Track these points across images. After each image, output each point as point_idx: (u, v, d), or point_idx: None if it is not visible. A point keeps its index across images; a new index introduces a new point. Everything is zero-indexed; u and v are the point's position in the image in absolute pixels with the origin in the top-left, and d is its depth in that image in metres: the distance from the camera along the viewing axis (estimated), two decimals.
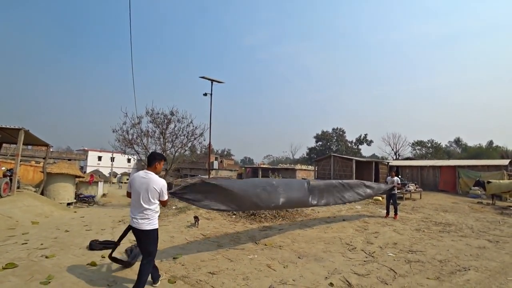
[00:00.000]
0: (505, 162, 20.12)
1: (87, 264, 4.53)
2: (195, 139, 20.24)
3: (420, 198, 15.53)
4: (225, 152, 79.56)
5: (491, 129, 79.21)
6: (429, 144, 53.22)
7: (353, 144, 60.78)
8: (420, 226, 8.23)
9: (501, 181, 15.21)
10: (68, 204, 17.40)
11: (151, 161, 3.57)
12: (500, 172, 18.18)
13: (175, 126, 19.92)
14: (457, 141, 59.99)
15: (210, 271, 4.37)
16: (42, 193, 16.27)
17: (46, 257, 4.85)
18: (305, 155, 66.24)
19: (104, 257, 4.92)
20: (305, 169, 35.45)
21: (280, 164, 52.01)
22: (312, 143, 64.74)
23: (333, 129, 63.97)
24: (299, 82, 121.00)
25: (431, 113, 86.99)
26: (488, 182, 14.82)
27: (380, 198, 13.74)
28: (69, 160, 43.64)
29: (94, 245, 5.45)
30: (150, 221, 3.34)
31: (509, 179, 17.25)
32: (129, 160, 49.78)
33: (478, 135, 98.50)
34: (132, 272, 4.24)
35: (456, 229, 8.09)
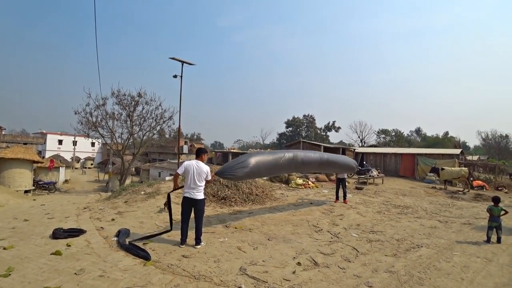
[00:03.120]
0: (457, 151, 21.94)
1: (51, 254, 4.36)
2: (164, 122, 19.80)
3: (382, 183, 16.52)
4: (195, 136, 78.29)
5: (448, 121, 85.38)
6: (393, 133, 56.30)
7: (322, 130, 62.56)
8: (381, 208, 8.82)
9: (452, 168, 16.60)
10: (26, 191, 16.34)
11: (199, 154, 5.13)
12: (452, 160, 19.78)
13: (143, 108, 19.30)
14: (418, 131, 64.14)
15: (182, 254, 4.40)
16: None
17: (4, 249, 4.59)
18: (275, 141, 67.19)
19: (69, 245, 4.76)
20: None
21: (250, 149, 52.38)
22: (283, 129, 65.76)
23: (304, 115, 65.24)
24: (272, 67, 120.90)
25: (397, 103, 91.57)
26: (442, 169, 16.10)
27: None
28: (25, 144, 40.67)
29: (58, 234, 5.23)
30: (201, 193, 4.86)
31: (459, 166, 18.86)
32: (93, 144, 47.26)
33: (436, 126, 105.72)
34: (100, 259, 4.17)
35: (413, 211, 8.78)
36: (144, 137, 19.97)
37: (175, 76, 15.44)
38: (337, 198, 9.52)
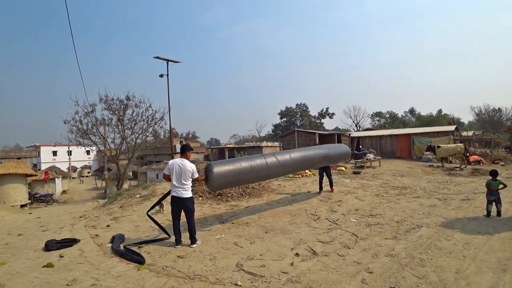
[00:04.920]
0: (452, 128, 21.96)
1: (43, 267, 4.22)
2: (155, 123, 19.50)
3: (380, 165, 16.50)
4: (190, 135, 77.93)
5: (440, 99, 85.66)
6: (388, 115, 56.37)
7: (316, 118, 62.51)
8: (380, 191, 8.76)
9: (448, 145, 16.59)
10: (22, 206, 16.13)
11: (184, 151, 4.96)
12: (447, 137, 19.81)
13: (133, 111, 18.97)
14: (412, 111, 64.25)
15: (177, 255, 4.29)
16: None
17: None
18: (270, 132, 67.09)
19: (62, 256, 4.62)
20: (271, 146, 35.98)
21: (246, 143, 52.19)
22: (277, 120, 65.62)
23: (296, 104, 65.12)
24: (261, 60, 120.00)
25: (389, 85, 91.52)
26: (438, 147, 16.09)
27: (344, 168, 14.39)
28: (18, 158, 40.18)
29: (50, 245, 5.08)
30: (188, 192, 4.71)
31: (455, 143, 18.89)
32: (88, 152, 46.81)
33: (429, 105, 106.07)
34: (93, 268, 4.04)
35: (411, 191, 8.73)
36: (138, 140, 19.69)
37: (161, 76, 15.20)
38: (320, 188, 8.74)
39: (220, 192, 8.30)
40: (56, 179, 25.21)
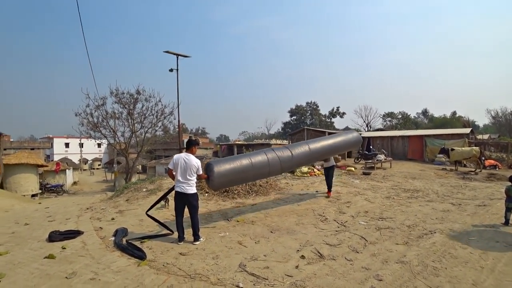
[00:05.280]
0: (467, 130, 21.29)
1: (44, 258, 4.18)
2: (164, 118, 19.53)
3: (390, 167, 16.11)
4: (200, 131, 78.20)
5: (455, 101, 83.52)
6: (400, 116, 55.27)
7: (327, 117, 61.84)
8: (390, 193, 8.49)
9: (462, 148, 16.06)
10: (33, 195, 16.40)
11: (189, 146, 4.79)
12: (462, 140, 19.19)
13: (142, 105, 19.04)
14: (424, 112, 62.85)
15: (179, 252, 4.18)
16: (1, 186, 15.15)
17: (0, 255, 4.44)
18: (280, 130, 66.76)
19: (64, 248, 4.58)
20: (280, 144, 35.73)
21: (255, 140, 52.04)
22: (287, 118, 65.19)
23: (307, 103, 64.54)
24: (272, 57, 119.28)
25: (402, 85, 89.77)
26: (452, 150, 15.60)
27: (353, 169, 14.10)
28: (32, 149, 41.03)
29: (53, 237, 5.06)
30: (192, 187, 4.60)
31: (469, 146, 18.29)
32: (99, 145, 47.38)
33: (443, 106, 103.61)
34: (94, 261, 3.97)
35: (423, 194, 8.43)
36: (147, 134, 19.78)
37: (171, 70, 15.15)
38: (329, 190, 8.16)
39: (226, 189, 8.19)
40: (67, 170, 25.60)
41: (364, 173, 12.87)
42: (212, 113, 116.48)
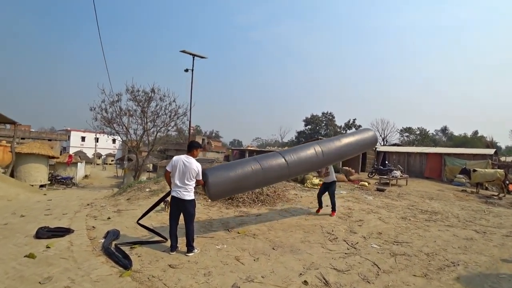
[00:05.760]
0: (491, 151, 20.18)
1: (24, 256, 3.87)
2: (177, 118, 19.40)
3: (406, 184, 15.32)
4: (213, 134, 78.50)
5: (476, 120, 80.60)
6: (418, 131, 53.60)
7: (342, 129, 60.75)
8: (406, 214, 7.85)
9: (486, 170, 15.11)
10: (41, 186, 16.48)
11: (191, 148, 4.43)
12: (485, 161, 18.13)
13: (156, 104, 18.99)
14: (444, 130, 60.78)
15: (169, 263, 3.79)
16: (12, 175, 15.28)
17: None
18: (293, 139, 65.99)
19: (49, 247, 4.27)
20: None
21: (267, 147, 51.52)
22: (301, 127, 64.45)
23: (322, 113, 63.66)
24: (290, 65, 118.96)
25: (422, 100, 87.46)
26: (474, 171, 14.68)
27: (367, 184, 13.43)
28: (49, 140, 41.98)
29: (41, 233, 4.77)
30: (190, 193, 4.21)
31: (492, 168, 17.24)
32: (114, 141, 48.17)
33: (464, 125, 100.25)
34: (75, 266, 3.62)
35: (443, 217, 7.76)
36: (159, 134, 19.70)
37: (186, 70, 15.02)
38: (320, 206, 7.27)
39: (231, 196, 7.78)
40: (78, 163, 25.83)
41: (378, 189, 12.19)
42: (226, 117, 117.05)
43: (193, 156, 4.40)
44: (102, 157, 57.43)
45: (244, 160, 5.56)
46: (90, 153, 50.91)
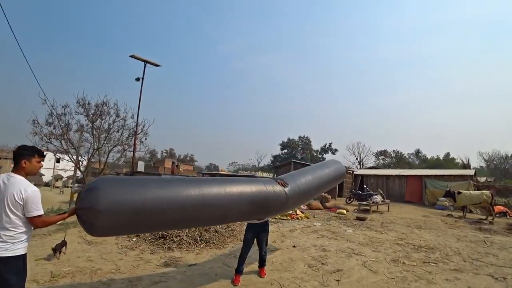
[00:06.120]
0: (471, 172, 19.35)
1: None
2: (132, 135, 17.05)
3: (388, 210, 13.73)
4: (188, 157, 75.37)
5: (447, 142, 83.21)
6: (393, 154, 53.73)
7: (318, 153, 60.01)
8: (397, 254, 6.01)
9: (471, 192, 13.88)
10: None
11: (15, 158, 2.38)
12: (466, 182, 17.15)
13: (109, 118, 16.66)
14: (417, 153, 61.61)
15: None
16: None
17: None
18: (269, 163, 64.28)
19: None
20: (266, 177, 33.25)
21: (240, 171, 49.31)
22: (278, 151, 63.09)
23: (299, 137, 62.89)
24: (270, 91, 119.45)
25: (396, 124, 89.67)
26: (459, 193, 13.39)
27: (345, 212, 11.65)
28: None
29: None
30: (8, 246, 2.20)
31: (475, 189, 16.19)
32: (58, 161, 42.67)
33: (435, 148, 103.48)
34: None
35: (442, 256, 6.00)
36: (113, 154, 17.22)
37: (137, 79, 13.01)
38: (238, 272, 4.18)
39: (163, 234, 5.62)
40: None
41: (358, 218, 10.39)
42: (204, 142, 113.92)
43: (23, 172, 2.39)
44: (64, 179, 52.62)
45: (175, 178, 3.43)
46: (49, 174, 46.39)
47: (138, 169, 14.54)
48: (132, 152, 19.53)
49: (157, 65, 13.05)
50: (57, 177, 50.76)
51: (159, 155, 73.39)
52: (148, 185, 2.81)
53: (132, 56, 12.35)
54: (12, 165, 2.38)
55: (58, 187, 48.34)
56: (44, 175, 46.02)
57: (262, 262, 4.45)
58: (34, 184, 2.44)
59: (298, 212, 9.68)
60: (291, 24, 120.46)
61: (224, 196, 3.19)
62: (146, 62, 12.71)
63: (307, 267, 4.80)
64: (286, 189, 3.93)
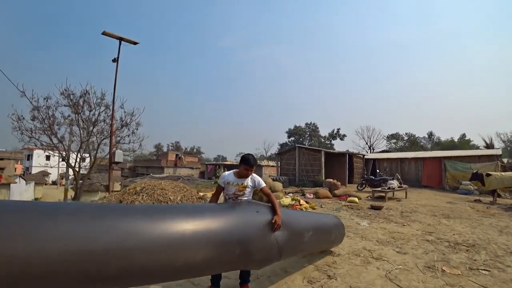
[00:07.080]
0: (498, 151, 17.42)
1: None
2: (123, 126, 15.75)
3: (406, 197, 12.13)
4: (195, 150, 74.44)
5: (461, 124, 79.97)
6: (406, 137, 51.28)
7: (326, 139, 58.05)
8: (430, 256, 4.49)
9: (502, 174, 12.12)
10: None
11: None
12: (493, 163, 15.32)
13: (94, 109, 15.33)
14: (430, 135, 58.99)
15: None
16: None
17: None
18: (276, 151, 62.66)
19: None
20: (272, 166, 31.88)
21: None
22: (284, 139, 61.40)
23: (306, 124, 60.96)
24: (276, 79, 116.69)
25: (407, 106, 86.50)
26: (488, 175, 11.69)
27: (357, 200, 10.12)
28: (1, 159, 37.43)
29: None
30: None
31: (504, 171, 14.40)
32: (48, 158, 41.96)
33: (449, 129, 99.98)
34: None
35: (492, 257, 4.47)
36: (96, 145, 15.99)
37: (114, 60, 11.60)
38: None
39: None
40: (11, 184, 21.53)
41: (373, 207, 8.84)
42: (213, 134, 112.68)
43: None
44: (70, 177, 52.34)
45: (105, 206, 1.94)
46: (56, 173, 46.21)
47: (116, 159, 13.13)
48: (129, 145, 18.28)
49: (134, 43, 11.58)
50: (62, 176, 50.70)
51: (165, 149, 72.77)
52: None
53: (104, 33, 10.89)
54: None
55: (63, 185, 48.15)
56: (51, 174, 46.04)
57: (244, 278, 3.01)
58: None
59: (302, 202, 8.18)
60: (296, 14, 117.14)
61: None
62: (120, 39, 11.25)
63: (306, 282, 3.33)
64: None
